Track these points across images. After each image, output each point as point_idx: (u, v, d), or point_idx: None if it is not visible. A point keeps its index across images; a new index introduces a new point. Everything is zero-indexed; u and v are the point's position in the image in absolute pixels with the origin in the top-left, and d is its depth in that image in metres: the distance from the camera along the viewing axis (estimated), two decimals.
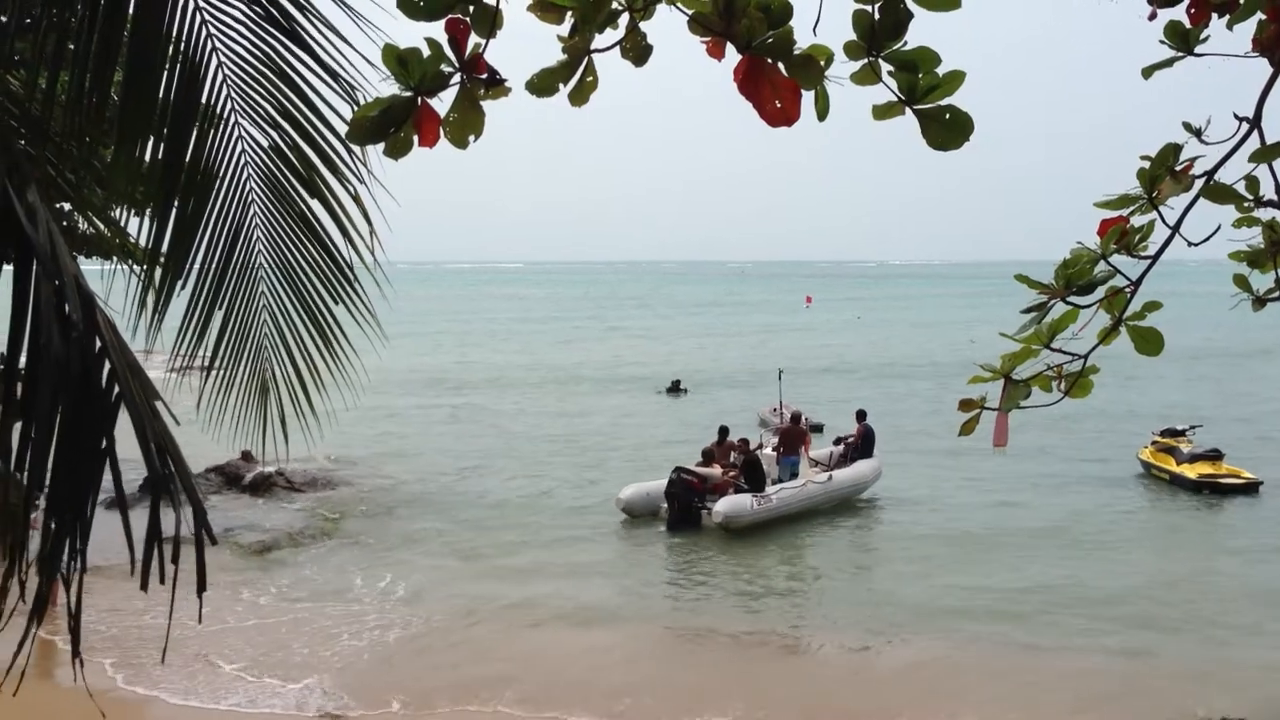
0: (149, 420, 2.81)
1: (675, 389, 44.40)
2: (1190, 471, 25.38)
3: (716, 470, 23.13)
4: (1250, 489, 24.97)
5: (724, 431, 24.48)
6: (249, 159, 4.91)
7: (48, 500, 2.79)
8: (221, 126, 4.75)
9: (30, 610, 2.83)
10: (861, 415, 26.27)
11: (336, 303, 5.16)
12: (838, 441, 25.95)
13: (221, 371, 5.29)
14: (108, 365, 2.82)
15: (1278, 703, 13.84)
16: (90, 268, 4.52)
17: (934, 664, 15.03)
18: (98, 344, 2.80)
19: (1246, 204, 2.83)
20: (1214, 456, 25.68)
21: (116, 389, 2.80)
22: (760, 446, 24.16)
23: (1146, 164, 2.75)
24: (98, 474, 2.84)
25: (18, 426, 2.74)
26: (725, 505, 21.58)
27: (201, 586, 2.92)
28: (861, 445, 25.34)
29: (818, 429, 32.44)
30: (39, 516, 2.90)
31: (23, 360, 2.77)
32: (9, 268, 2.88)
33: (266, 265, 5.18)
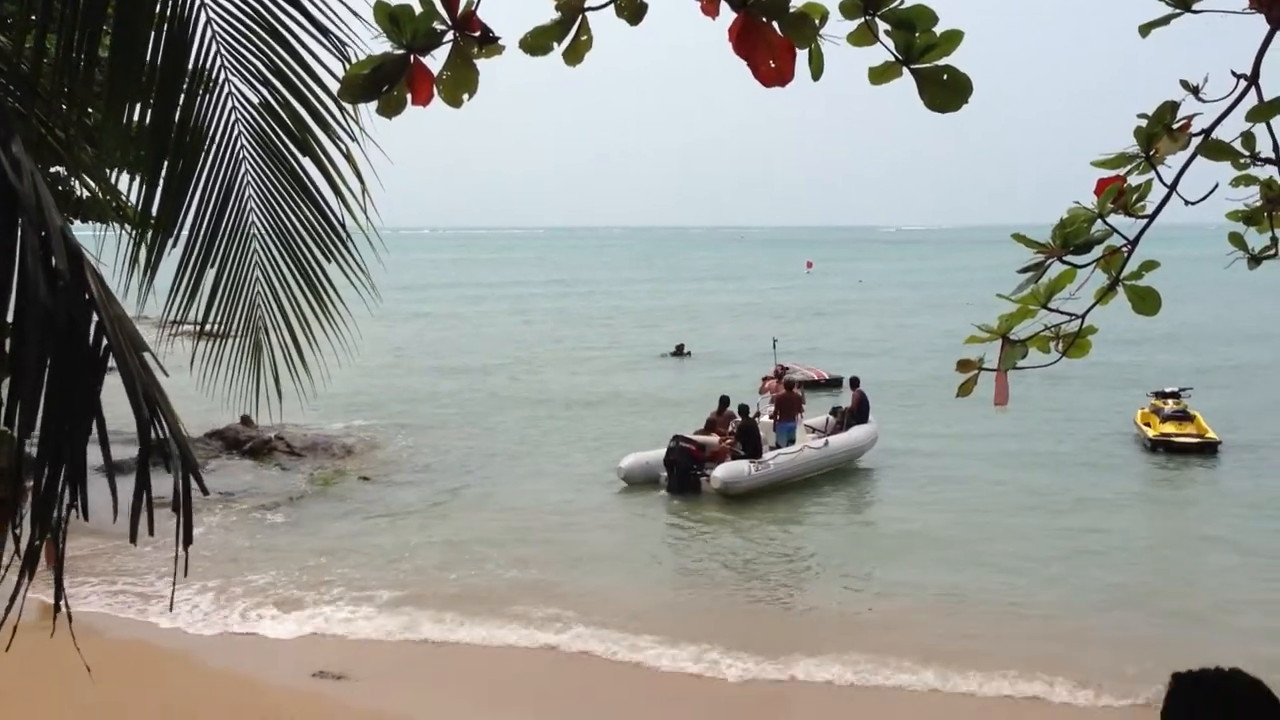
0: (136, 370, 2.80)
1: (679, 352, 44.82)
2: (1151, 432, 25.84)
3: (714, 438, 23.31)
4: (1207, 448, 25.21)
5: (724, 400, 24.56)
6: (240, 117, 4.87)
7: (38, 453, 2.79)
8: (212, 85, 4.72)
9: (21, 565, 2.84)
10: (855, 382, 26.40)
11: (329, 261, 5.14)
12: (834, 411, 26.02)
13: (214, 331, 5.28)
14: (95, 317, 2.81)
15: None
16: (83, 232, 4.49)
17: (912, 608, 15.55)
18: (85, 295, 2.79)
19: (1243, 161, 2.81)
20: (1181, 417, 25.93)
21: (105, 341, 2.79)
22: (758, 414, 24.24)
23: (1144, 122, 2.74)
24: (87, 424, 2.84)
25: (6, 382, 2.74)
26: (723, 471, 21.79)
27: (187, 539, 2.92)
28: (857, 411, 25.43)
29: (836, 382, 32.98)
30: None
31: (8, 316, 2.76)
32: None
33: (259, 224, 5.16)
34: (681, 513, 21.16)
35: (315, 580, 16.66)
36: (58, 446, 2.81)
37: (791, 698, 13.03)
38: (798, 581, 17.11)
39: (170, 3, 4.39)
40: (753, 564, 17.90)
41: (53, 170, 10.15)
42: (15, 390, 2.71)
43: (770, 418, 24.37)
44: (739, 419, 23.32)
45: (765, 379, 27.71)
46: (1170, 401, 26.80)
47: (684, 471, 22.29)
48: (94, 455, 2.92)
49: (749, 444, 22.60)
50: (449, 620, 14.89)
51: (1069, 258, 2.87)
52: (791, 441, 23.72)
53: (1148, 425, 26.51)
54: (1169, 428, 25.69)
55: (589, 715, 12.71)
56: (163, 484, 2.95)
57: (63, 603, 2.94)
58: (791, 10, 2.35)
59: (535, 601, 15.51)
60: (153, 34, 4.36)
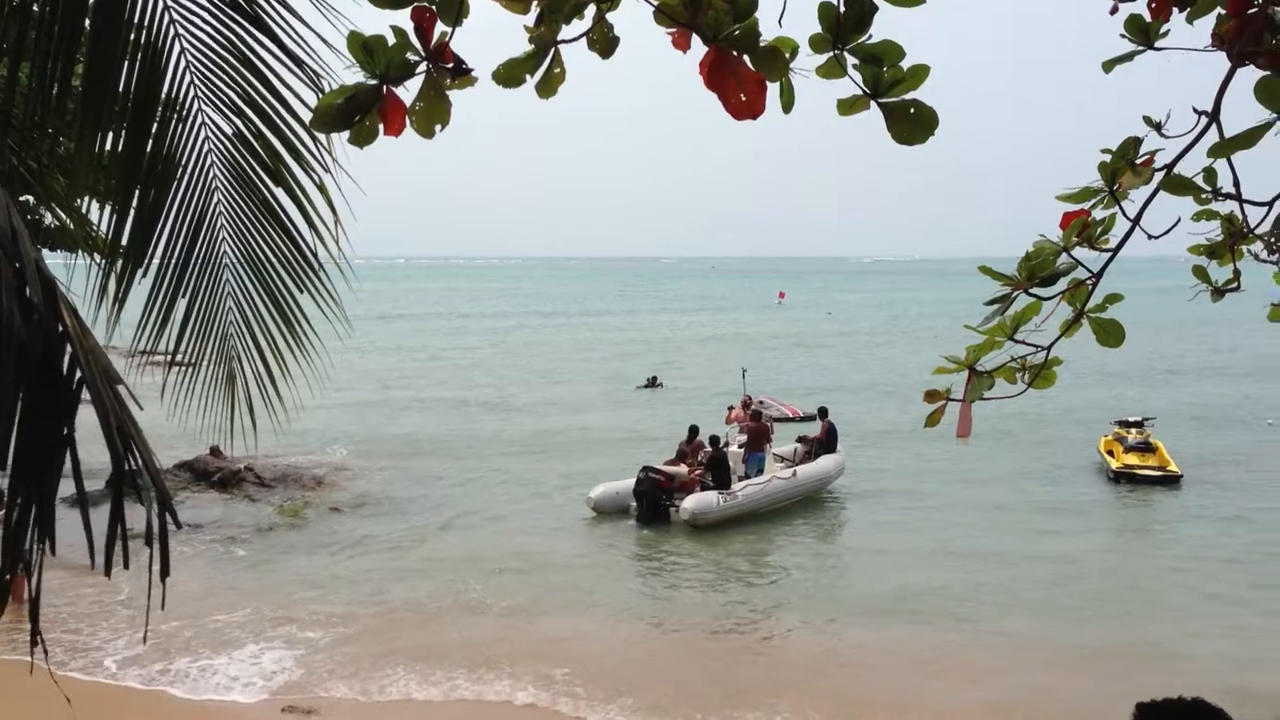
0: (111, 403, 2.79)
1: (652, 384, 44.87)
2: (1114, 462, 26.07)
3: (683, 469, 23.30)
4: (1169, 480, 25.43)
5: (694, 430, 24.55)
6: (213, 146, 4.87)
7: (9, 486, 2.77)
8: (185, 114, 4.71)
9: None
10: (824, 412, 26.45)
11: (302, 291, 5.13)
12: (801, 439, 26.11)
13: (186, 361, 5.25)
14: (69, 349, 2.80)
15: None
16: (55, 261, 4.47)
17: (881, 647, 15.50)
18: (59, 327, 2.78)
19: (1205, 196, 2.87)
20: (1144, 449, 26.18)
21: (79, 373, 2.78)
22: (727, 444, 24.26)
23: (1108, 157, 2.79)
24: (60, 458, 2.82)
25: None
26: (692, 503, 21.76)
27: (164, 572, 2.90)
28: (825, 441, 25.52)
29: (811, 418, 32.80)
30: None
31: None
32: None
33: (231, 254, 5.14)
34: (650, 544, 21.06)
35: (281, 616, 16.41)
36: (30, 479, 2.79)
37: None
38: (764, 622, 16.69)
39: (144, 32, 4.39)
40: (719, 603, 17.58)
41: (22, 199, 10.10)
42: None
43: (739, 448, 24.42)
44: (709, 449, 23.34)
45: (731, 409, 27.76)
46: (1133, 431, 27.03)
47: (653, 502, 22.26)
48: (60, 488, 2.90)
49: (718, 475, 22.62)
50: (413, 665, 14.47)
51: (1035, 290, 2.92)
52: (760, 472, 23.77)
53: (1110, 454, 26.71)
54: (1132, 459, 25.93)
55: None
56: (132, 516, 2.92)
57: (39, 638, 2.91)
58: (762, 44, 2.39)
59: (499, 649, 15.09)
60: (126, 63, 4.36)
